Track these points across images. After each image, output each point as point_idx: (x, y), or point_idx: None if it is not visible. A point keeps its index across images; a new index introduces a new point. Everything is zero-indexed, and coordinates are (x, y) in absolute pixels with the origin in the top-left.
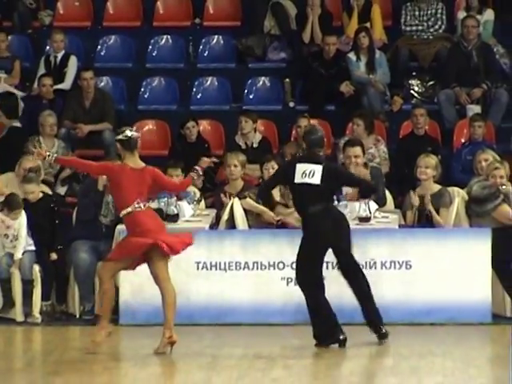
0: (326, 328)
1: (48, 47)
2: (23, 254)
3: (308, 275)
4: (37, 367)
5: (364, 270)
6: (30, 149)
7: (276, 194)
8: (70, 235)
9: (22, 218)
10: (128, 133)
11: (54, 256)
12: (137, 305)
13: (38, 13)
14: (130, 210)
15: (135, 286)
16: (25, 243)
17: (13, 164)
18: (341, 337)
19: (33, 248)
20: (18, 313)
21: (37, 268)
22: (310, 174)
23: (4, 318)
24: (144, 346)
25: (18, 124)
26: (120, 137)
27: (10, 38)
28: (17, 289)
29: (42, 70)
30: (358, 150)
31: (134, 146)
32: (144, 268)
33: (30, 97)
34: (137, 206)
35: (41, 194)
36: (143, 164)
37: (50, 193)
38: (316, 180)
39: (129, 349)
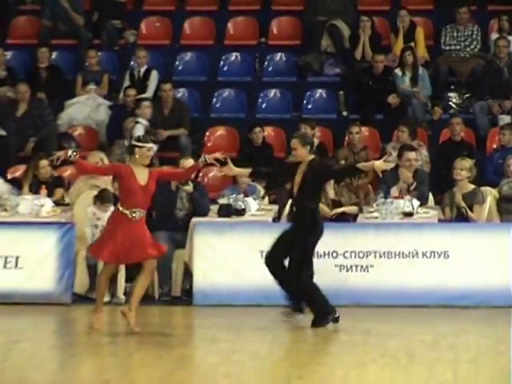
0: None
1: (132, 62)
2: None
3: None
4: (120, 341)
5: (407, 259)
6: (114, 150)
7: (330, 191)
8: (151, 227)
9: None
10: None
11: None
12: (208, 288)
13: (123, 32)
14: None
15: (207, 271)
16: None
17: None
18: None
19: None
20: None
21: None
22: None
23: (92, 299)
24: (215, 324)
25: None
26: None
27: (99, 54)
28: None
29: (127, 83)
30: (414, 154)
31: None
32: (213, 256)
33: (116, 105)
34: None
35: None
36: None
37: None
38: None
39: (201, 326)
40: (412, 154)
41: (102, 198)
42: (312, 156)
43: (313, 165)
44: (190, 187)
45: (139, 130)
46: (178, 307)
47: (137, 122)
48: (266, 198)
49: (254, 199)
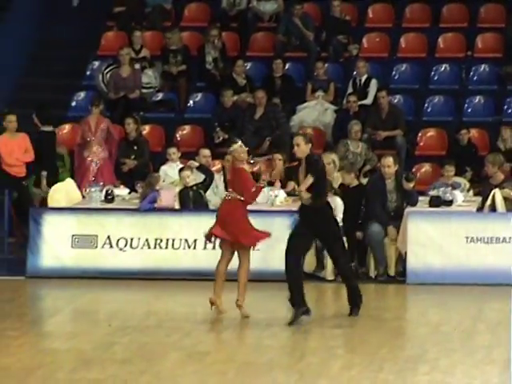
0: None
1: (355, 72)
2: None
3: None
4: (343, 314)
5: None
6: (339, 148)
7: None
8: (366, 216)
9: (338, 200)
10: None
11: (359, 235)
12: (420, 268)
13: (348, 46)
14: None
15: (419, 254)
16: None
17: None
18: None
19: (340, 224)
20: (328, 273)
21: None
22: None
23: (318, 277)
24: (425, 300)
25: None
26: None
27: (326, 65)
28: None
29: (349, 90)
30: None
31: None
32: (424, 241)
33: (341, 110)
34: None
35: (357, 182)
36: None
37: None
38: None
39: (413, 302)
40: None
41: None
42: (308, 152)
43: (309, 163)
44: (411, 183)
45: None
46: (392, 285)
47: None
48: (471, 191)
49: (460, 192)
